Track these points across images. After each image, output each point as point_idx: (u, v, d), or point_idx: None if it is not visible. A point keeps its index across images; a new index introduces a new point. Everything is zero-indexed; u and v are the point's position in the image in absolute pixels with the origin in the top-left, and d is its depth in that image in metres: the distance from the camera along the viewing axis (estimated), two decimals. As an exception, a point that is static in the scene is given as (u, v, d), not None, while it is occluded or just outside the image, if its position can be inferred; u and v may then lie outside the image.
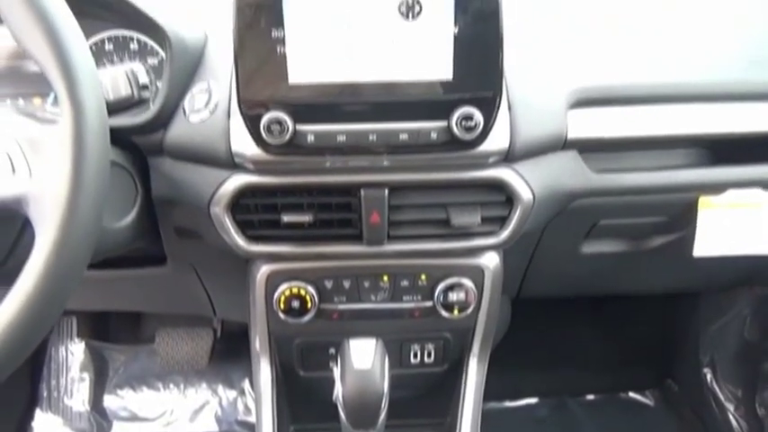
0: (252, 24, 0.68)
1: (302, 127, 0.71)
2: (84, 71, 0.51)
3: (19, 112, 0.59)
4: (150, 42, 0.85)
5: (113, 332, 1.54)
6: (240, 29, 0.68)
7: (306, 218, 0.76)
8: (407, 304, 0.86)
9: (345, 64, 0.70)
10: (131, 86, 0.71)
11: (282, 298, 0.83)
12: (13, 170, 0.50)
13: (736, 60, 0.86)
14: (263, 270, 0.83)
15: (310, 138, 0.71)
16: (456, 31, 0.69)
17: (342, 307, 0.86)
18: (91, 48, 0.84)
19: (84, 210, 0.50)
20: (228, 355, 1.49)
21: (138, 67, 0.66)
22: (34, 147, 0.51)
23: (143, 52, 0.85)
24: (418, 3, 0.68)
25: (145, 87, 0.70)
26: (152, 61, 0.86)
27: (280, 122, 0.70)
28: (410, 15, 0.69)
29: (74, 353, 1.48)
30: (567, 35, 0.88)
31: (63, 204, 0.49)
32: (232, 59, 0.76)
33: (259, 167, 0.74)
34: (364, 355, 0.77)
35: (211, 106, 0.76)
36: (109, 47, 0.85)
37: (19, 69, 0.86)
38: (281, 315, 0.84)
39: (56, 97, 0.85)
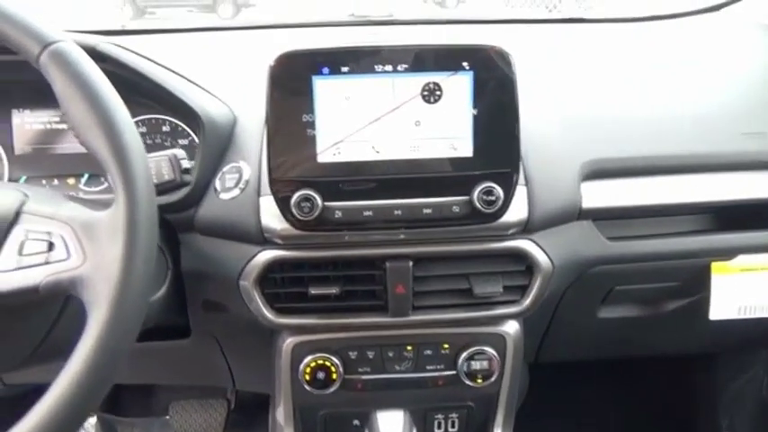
0: (284, 110, 0.73)
1: (330, 204, 0.74)
2: (138, 161, 0.54)
3: (67, 197, 0.62)
4: (182, 125, 0.89)
5: (125, 404, 1.52)
6: (273, 114, 0.72)
7: (333, 290, 0.78)
8: (431, 373, 0.87)
9: (371, 144, 0.74)
10: (174, 171, 0.75)
11: (308, 369, 0.84)
12: (68, 254, 0.53)
13: (734, 132, 0.91)
14: (289, 342, 0.85)
15: (338, 214, 0.75)
16: (475, 112, 0.74)
17: (366, 377, 0.86)
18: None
19: (134, 291, 0.53)
20: (243, 426, 1.46)
21: (180, 153, 0.69)
22: (88, 231, 0.54)
23: (174, 134, 0.90)
24: (439, 88, 0.73)
25: (186, 171, 0.74)
26: (183, 142, 0.90)
27: (309, 200, 0.73)
28: (432, 99, 0.74)
29: (85, 427, 1.46)
30: (574, 108, 0.93)
31: (115, 287, 0.52)
32: (261, 141, 0.81)
33: (287, 242, 0.77)
34: (394, 428, 0.78)
35: (242, 185, 0.79)
36: (142, 129, 0.89)
37: (49, 151, 0.90)
38: (307, 386, 0.85)
39: (90, 176, 0.90)
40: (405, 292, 0.79)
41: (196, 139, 0.90)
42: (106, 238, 0.53)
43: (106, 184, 0.90)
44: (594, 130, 0.90)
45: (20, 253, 0.54)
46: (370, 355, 0.86)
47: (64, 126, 0.89)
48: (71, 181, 0.90)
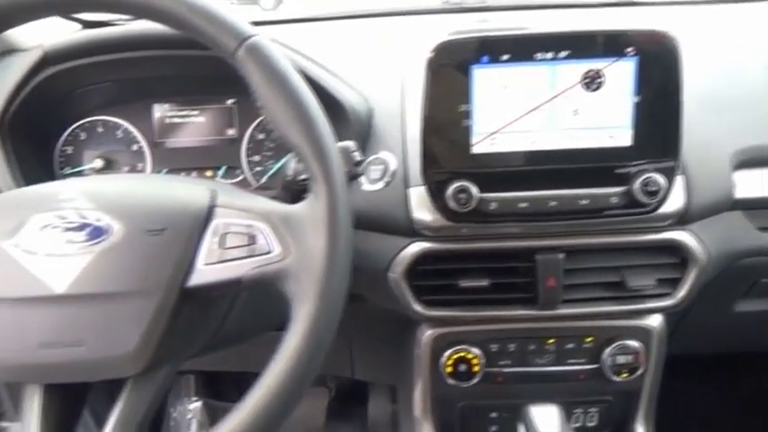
0: (440, 100, 0.71)
1: (486, 195, 0.73)
2: (336, 156, 0.54)
3: (248, 192, 0.63)
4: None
5: (226, 391, 1.56)
6: (428, 105, 0.71)
7: (483, 282, 0.77)
8: (573, 367, 0.85)
9: (528, 134, 0.73)
10: (349, 163, 0.74)
11: (449, 361, 0.84)
12: (271, 247, 0.54)
13: None
14: (429, 333, 0.84)
15: (493, 205, 0.74)
16: (637, 100, 0.71)
17: (507, 370, 0.85)
18: (262, 121, 0.90)
19: (338, 283, 0.53)
20: (342, 414, 1.48)
21: (351, 145, 0.69)
22: (287, 224, 0.54)
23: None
24: (601, 75, 0.71)
25: (358, 164, 0.74)
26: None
27: (465, 191, 0.72)
28: (593, 87, 0.71)
29: (192, 412, 1.50)
30: (719, 91, 0.88)
31: (322, 279, 0.52)
32: (402, 131, 0.80)
33: (437, 234, 0.77)
34: (551, 422, 0.77)
35: (388, 177, 0.79)
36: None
37: (188, 144, 0.92)
38: (448, 379, 0.84)
39: (227, 169, 0.91)
40: (555, 285, 0.77)
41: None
42: (308, 230, 0.53)
43: (242, 177, 0.91)
44: (743, 115, 0.86)
45: (222, 246, 0.55)
46: (512, 347, 0.85)
47: (202, 119, 0.91)
48: (209, 173, 0.91)
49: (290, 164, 0.69)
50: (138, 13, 0.54)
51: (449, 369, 0.84)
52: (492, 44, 0.70)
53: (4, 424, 1.18)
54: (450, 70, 0.70)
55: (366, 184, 0.80)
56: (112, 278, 0.53)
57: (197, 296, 0.56)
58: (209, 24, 0.54)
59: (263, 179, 0.91)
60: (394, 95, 0.85)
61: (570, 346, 0.85)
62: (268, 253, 0.54)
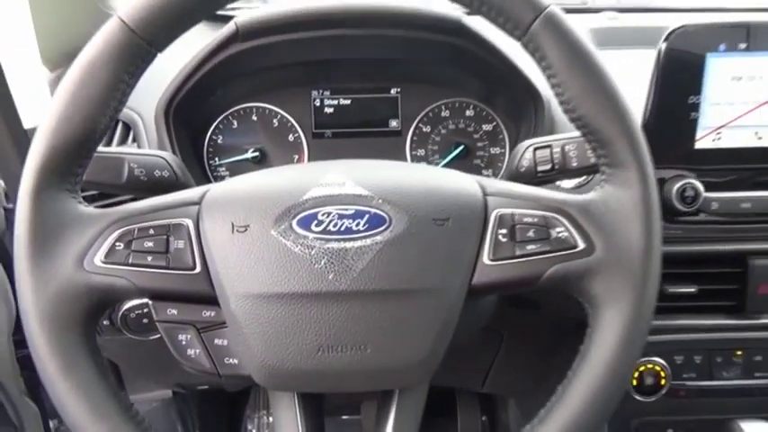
0: (670, 90, 0.67)
1: (708, 194, 0.68)
2: (644, 141, 0.48)
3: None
4: (487, 109, 0.84)
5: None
6: (657, 94, 0.66)
7: (691, 289, 0.72)
8: (760, 380, 0.80)
9: (755, 129, 0.68)
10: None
11: (636, 374, 0.78)
12: (574, 241, 0.48)
13: None
14: None
15: (714, 205, 0.69)
16: None
17: (690, 383, 0.80)
18: (430, 113, 0.84)
19: (655, 280, 0.47)
20: (431, 427, 1.41)
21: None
22: (587, 216, 0.48)
23: (478, 118, 0.84)
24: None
25: None
26: (486, 128, 0.84)
27: (692, 189, 0.67)
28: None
29: (269, 425, 1.42)
30: None
31: (639, 276, 0.46)
32: None
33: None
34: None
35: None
36: (445, 113, 0.84)
37: (363, 134, 0.86)
38: (634, 393, 0.78)
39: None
40: None
41: (501, 124, 0.84)
42: (618, 222, 0.47)
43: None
44: None
45: (512, 239, 0.48)
46: (697, 360, 0.80)
47: (363, 109, 0.84)
48: None
49: (526, 155, 0.63)
50: None
51: (635, 381, 0.78)
52: (731, 32, 0.65)
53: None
54: (686, 58, 0.66)
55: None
56: (399, 274, 0.46)
57: (479, 297, 0.49)
58: None
59: None
60: None
61: (758, 358, 0.80)
62: (574, 248, 0.47)
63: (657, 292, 0.48)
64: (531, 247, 0.48)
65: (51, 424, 1.07)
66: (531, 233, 0.48)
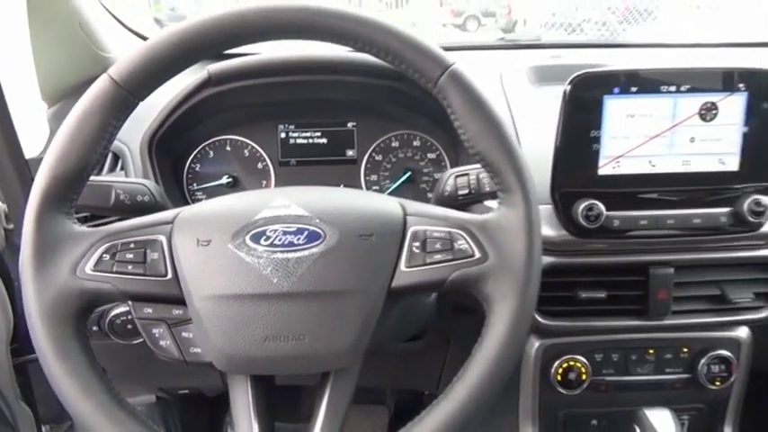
0: (574, 127, 0.79)
1: (610, 213, 0.80)
2: (528, 171, 0.60)
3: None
4: (430, 140, 0.96)
5: (281, 409, 1.57)
6: (564, 130, 0.79)
7: (601, 294, 0.84)
8: (670, 376, 0.92)
9: (648, 158, 0.80)
10: None
11: (560, 370, 0.89)
12: (472, 251, 0.59)
13: None
14: (538, 345, 0.90)
15: (616, 222, 0.81)
16: (745, 130, 0.80)
17: (609, 379, 0.92)
18: (381, 143, 0.97)
19: (535, 282, 0.59)
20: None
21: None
22: (485, 231, 0.60)
23: (424, 148, 0.97)
24: (716, 107, 0.79)
25: None
26: (431, 156, 0.97)
27: (594, 209, 0.79)
28: (708, 118, 0.80)
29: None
30: None
31: (522, 280, 0.58)
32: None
33: (558, 249, 0.83)
34: (667, 426, 0.83)
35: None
36: (395, 144, 0.96)
37: (309, 163, 0.97)
38: (559, 387, 0.90)
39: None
40: (666, 297, 0.85)
41: (443, 153, 0.97)
42: (507, 236, 0.59)
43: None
44: None
45: (424, 250, 0.60)
46: (615, 357, 0.91)
47: (324, 140, 0.96)
48: None
49: (449, 181, 0.75)
50: (355, 44, 0.60)
51: (559, 377, 0.90)
52: (624, 78, 0.78)
53: None
54: (586, 99, 0.78)
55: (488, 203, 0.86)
56: (331, 278, 0.58)
57: (398, 297, 0.61)
58: (420, 55, 0.59)
59: None
60: None
61: (668, 356, 0.92)
62: (471, 257, 0.59)
63: (538, 293, 0.60)
64: (437, 257, 0.60)
65: (44, 429, 1.17)
66: (438, 245, 0.60)
